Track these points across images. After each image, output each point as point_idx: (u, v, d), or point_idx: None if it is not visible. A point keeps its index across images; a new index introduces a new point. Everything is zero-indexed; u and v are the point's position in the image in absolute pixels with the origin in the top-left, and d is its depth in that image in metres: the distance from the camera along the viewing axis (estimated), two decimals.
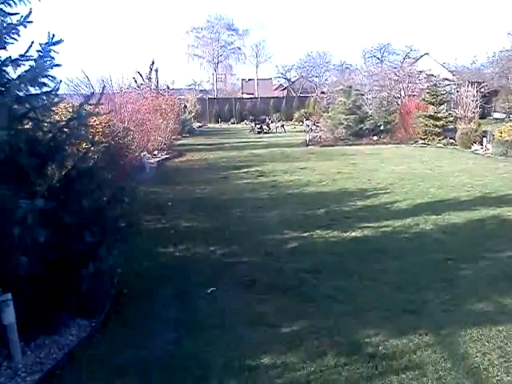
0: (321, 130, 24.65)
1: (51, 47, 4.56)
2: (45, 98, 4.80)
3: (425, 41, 69.05)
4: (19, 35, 4.57)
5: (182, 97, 36.88)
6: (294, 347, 4.22)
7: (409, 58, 39.18)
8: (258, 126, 30.46)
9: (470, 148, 18.25)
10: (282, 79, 59.66)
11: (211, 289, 5.56)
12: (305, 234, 7.72)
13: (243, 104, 45.63)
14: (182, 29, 61.02)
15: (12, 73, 4.65)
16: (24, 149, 4.49)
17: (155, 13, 77.70)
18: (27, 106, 4.71)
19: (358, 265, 6.31)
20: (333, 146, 21.31)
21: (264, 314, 4.92)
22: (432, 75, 25.98)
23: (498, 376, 3.69)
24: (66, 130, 4.85)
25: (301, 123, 35.11)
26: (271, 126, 31.17)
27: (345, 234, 7.66)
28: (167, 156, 18.69)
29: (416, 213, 8.84)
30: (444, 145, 19.84)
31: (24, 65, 4.68)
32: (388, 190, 11.06)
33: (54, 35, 4.57)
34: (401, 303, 5.09)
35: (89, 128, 5.05)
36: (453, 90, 24.92)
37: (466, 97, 21.89)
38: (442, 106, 21.51)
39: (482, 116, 26.05)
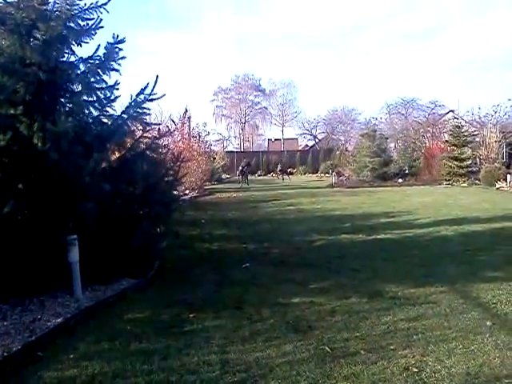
0: (347, 174, 25.35)
1: (117, 45, 5.51)
2: (107, 91, 5.73)
3: (451, 91, 69.18)
4: (92, 38, 5.58)
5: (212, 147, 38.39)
6: (320, 294, 4.74)
7: (433, 113, 39.93)
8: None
9: (494, 185, 18.57)
10: (307, 136, 60.74)
11: (245, 264, 6.12)
12: (331, 237, 8.24)
13: (270, 158, 47.09)
14: (210, 89, 63.36)
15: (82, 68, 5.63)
16: (89, 129, 5.41)
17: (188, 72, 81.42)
18: (94, 97, 5.64)
19: (380, 252, 6.80)
20: (358, 187, 21.88)
21: (293, 278, 5.44)
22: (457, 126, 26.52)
23: (504, 309, 4.12)
24: (124, 115, 5.71)
25: (327, 174, 35.92)
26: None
27: (369, 237, 8.14)
28: (197, 195, 19.56)
29: (438, 225, 9.29)
30: (469, 184, 20.20)
31: (91, 63, 5.66)
32: (411, 213, 11.49)
33: (118, 35, 5.53)
34: (421, 272, 5.55)
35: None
36: (476, 132, 25.27)
37: (489, 138, 22.39)
38: (466, 148, 22.02)
39: (509, 165, 25.98)
